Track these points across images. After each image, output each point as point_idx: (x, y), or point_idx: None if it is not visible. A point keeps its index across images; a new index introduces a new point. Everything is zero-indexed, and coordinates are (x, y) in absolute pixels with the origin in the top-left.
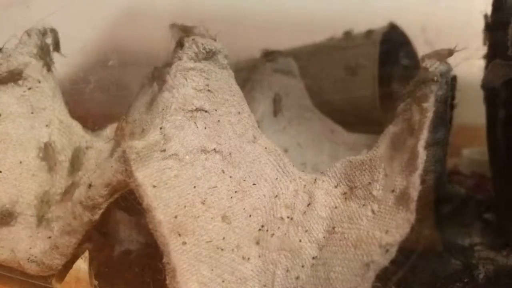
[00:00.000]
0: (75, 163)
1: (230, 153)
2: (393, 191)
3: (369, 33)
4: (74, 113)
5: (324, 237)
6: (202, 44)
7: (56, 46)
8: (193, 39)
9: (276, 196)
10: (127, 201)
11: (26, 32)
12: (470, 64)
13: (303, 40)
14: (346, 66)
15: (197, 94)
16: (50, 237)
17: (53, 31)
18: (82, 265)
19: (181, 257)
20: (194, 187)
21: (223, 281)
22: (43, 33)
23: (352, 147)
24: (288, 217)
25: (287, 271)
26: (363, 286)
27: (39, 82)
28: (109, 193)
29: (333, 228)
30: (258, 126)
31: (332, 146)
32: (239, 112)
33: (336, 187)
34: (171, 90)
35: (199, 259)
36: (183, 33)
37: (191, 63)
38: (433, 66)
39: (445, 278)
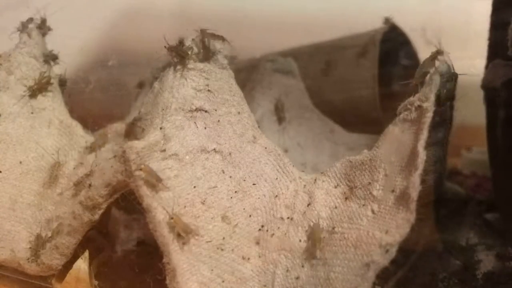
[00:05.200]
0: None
1: (230, 153)
2: (393, 191)
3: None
4: (74, 113)
5: (324, 237)
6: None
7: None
8: (193, 39)
9: (276, 196)
10: (127, 201)
11: (26, 32)
12: (470, 64)
13: (303, 40)
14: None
15: (197, 94)
16: (50, 237)
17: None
18: (82, 265)
19: (181, 257)
20: (194, 187)
21: (223, 281)
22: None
23: (352, 147)
24: (288, 217)
25: (287, 271)
26: (363, 286)
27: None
28: (109, 193)
29: (333, 228)
30: (258, 126)
31: (332, 146)
32: (239, 112)
33: (336, 187)
34: (171, 90)
35: (199, 259)
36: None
37: (191, 63)
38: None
39: (445, 278)
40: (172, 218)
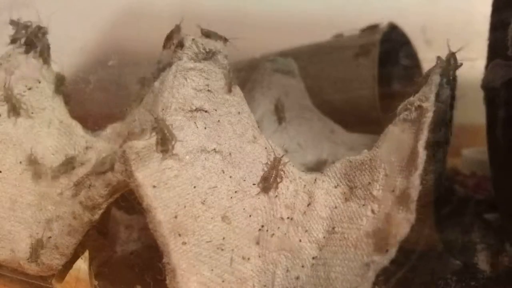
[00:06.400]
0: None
1: (230, 153)
2: (393, 191)
3: (370, 28)
4: (74, 113)
5: (324, 237)
6: (202, 44)
7: (47, 51)
8: (193, 39)
9: (276, 196)
10: (127, 201)
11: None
12: (470, 64)
13: (303, 40)
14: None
15: (197, 94)
16: (50, 237)
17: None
18: (82, 265)
19: (181, 257)
20: (194, 187)
21: (223, 281)
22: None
23: (352, 147)
24: (288, 217)
25: (287, 271)
26: (363, 286)
27: (39, 82)
28: (109, 193)
29: (333, 228)
30: (258, 126)
31: (332, 146)
32: (239, 112)
33: (336, 187)
34: (171, 90)
35: (199, 259)
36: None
37: (191, 63)
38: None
39: (445, 278)
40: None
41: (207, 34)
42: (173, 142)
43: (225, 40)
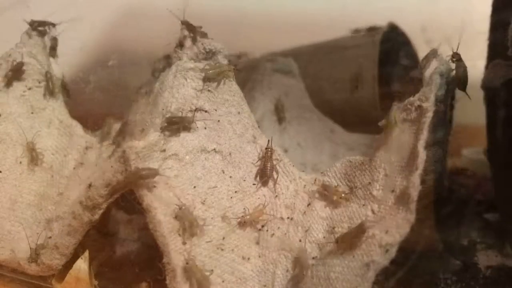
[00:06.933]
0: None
1: (230, 153)
2: (393, 191)
3: (370, 30)
4: (74, 113)
5: (324, 237)
6: (202, 44)
7: (53, 52)
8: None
9: (276, 196)
10: (127, 201)
11: (26, 32)
12: (470, 64)
13: (303, 40)
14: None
15: (197, 94)
16: (50, 237)
17: (54, 39)
18: (82, 265)
19: (181, 257)
20: (194, 187)
21: (223, 281)
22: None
23: (352, 147)
24: (288, 217)
25: (287, 271)
26: (363, 286)
27: (39, 82)
28: (109, 193)
29: (333, 228)
30: (258, 126)
31: (332, 146)
32: (239, 112)
33: (336, 187)
34: (171, 90)
35: (199, 259)
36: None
37: (191, 63)
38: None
39: (445, 278)
40: (180, 208)
41: (189, 26)
42: None
43: (204, 34)
